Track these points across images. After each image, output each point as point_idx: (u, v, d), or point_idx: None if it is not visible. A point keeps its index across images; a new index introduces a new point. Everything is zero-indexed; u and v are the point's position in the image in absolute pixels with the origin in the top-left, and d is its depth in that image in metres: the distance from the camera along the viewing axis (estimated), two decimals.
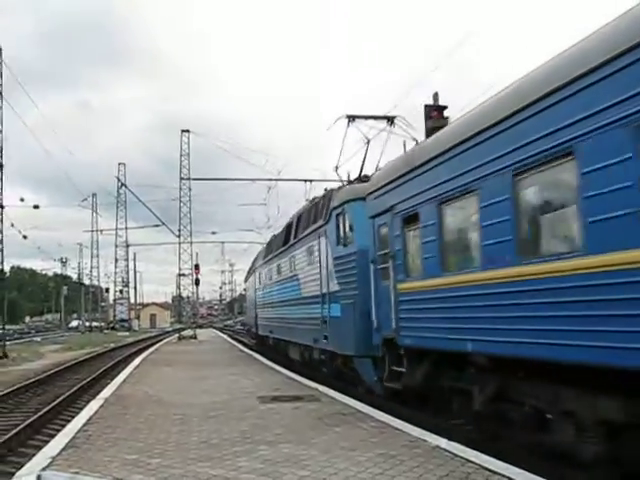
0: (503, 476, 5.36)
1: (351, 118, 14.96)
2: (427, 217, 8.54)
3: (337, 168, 15.48)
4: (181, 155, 42.10)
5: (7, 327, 35.90)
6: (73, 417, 9.89)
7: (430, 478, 5.38)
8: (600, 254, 5.24)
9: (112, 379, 15.58)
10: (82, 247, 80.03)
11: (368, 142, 15.13)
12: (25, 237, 44.86)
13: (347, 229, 12.38)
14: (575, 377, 5.87)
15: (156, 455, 6.55)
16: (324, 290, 13.89)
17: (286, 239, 19.16)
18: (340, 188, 14.16)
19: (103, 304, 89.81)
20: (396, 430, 7.53)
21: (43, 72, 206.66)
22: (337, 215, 12.90)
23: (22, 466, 6.49)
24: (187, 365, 18.52)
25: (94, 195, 68.38)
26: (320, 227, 14.25)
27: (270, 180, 34.95)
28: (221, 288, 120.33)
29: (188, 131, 42.84)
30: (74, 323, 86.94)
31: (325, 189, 16.25)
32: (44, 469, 5.99)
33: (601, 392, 5.63)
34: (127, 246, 74.67)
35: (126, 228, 73.03)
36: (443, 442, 6.68)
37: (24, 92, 31.56)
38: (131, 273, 78.62)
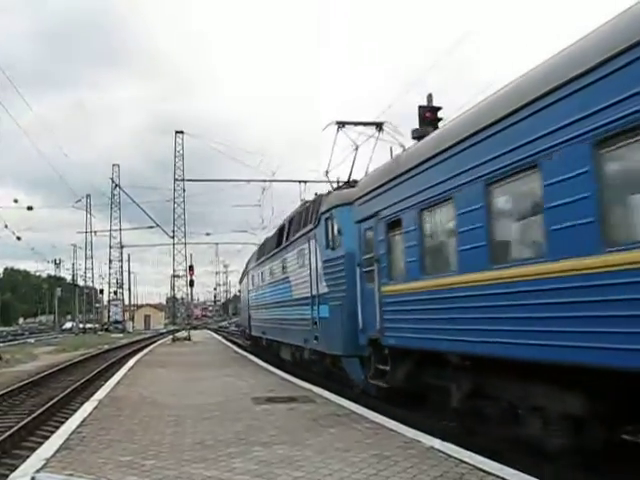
0: (497, 477, 5.37)
1: (341, 124, 15.34)
2: (409, 223, 8.98)
3: (327, 172, 15.91)
4: (175, 156, 42.15)
5: (0, 329, 35.81)
6: (67, 419, 9.86)
7: (424, 479, 5.40)
8: (560, 260, 5.67)
9: (106, 381, 15.53)
10: (76, 248, 79.98)
11: (356, 148, 15.57)
12: (19, 238, 44.96)
13: (335, 233, 12.72)
14: (543, 375, 6.25)
15: (150, 456, 6.54)
16: (314, 292, 14.19)
17: (278, 242, 19.48)
18: (329, 193, 14.52)
19: (97, 305, 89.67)
20: (390, 431, 7.55)
21: (38, 72, 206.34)
22: (326, 219, 13.21)
23: (16, 468, 6.48)
24: (181, 366, 18.50)
25: (88, 196, 68.31)
26: (310, 231, 14.61)
27: (264, 181, 35.00)
28: (215, 289, 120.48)
29: (182, 132, 42.95)
30: (68, 324, 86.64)
31: (315, 194, 16.76)
32: (38, 471, 5.97)
33: (565, 389, 6.04)
34: (121, 247, 74.70)
35: (120, 229, 73.06)
36: (437, 443, 6.70)
37: (18, 93, 31.39)
38: (125, 274, 78.72)
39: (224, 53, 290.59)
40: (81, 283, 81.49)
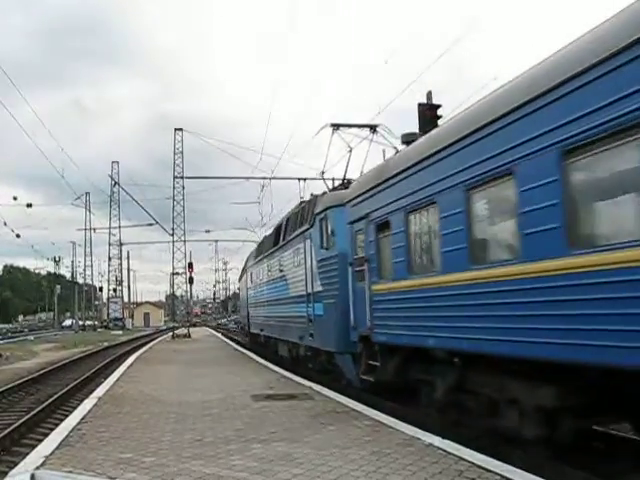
0: (496, 474, 5.38)
1: (335, 126, 15.71)
2: (397, 225, 9.42)
3: (323, 173, 16.52)
4: (174, 153, 42.01)
5: (0, 326, 35.80)
6: (67, 416, 9.88)
7: (423, 476, 5.40)
8: (532, 262, 6.07)
9: (106, 378, 15.57)
10: (75, 246, 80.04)
11: (350, 150, 15.97)
12: (18, 236, 44.95)
13: (329, 234, 13.09)
14: (518, 369, 6.63)
15: (150, 453, 6.55)
16: (309, 290, 14.59)
17: (276, 240, 19.86)
18: (324, 194, 14.92)
19: (96, 303, 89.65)
20: (390, 428, 7.56)
21: (37, 70, 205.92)
22: (320, 220, 13.57)
23: (16, 465, 6.49)
24: (181, 364, 18.52)
25: (87, 194, 68.27)
26: (305, 230, 14.98)
27: (264, 178, 34.93)
28: (215, 287, 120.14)
29: (181, 129, 42.79)
30: (67, 322, 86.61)
31: (311, 194, 17.07)
32: (38, 468, 5.98)
33: (538, 383, 6.41)
34: (120, 245, 74.67)
35: (119, 227, 72.98)
36: (436, 440, 6.72)
37: (17, 91, 31.40)
38: (124, 272, 78.66)
39: (225, 51, 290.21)
40: (80, 280, 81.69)
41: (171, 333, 41.37)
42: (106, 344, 38.29)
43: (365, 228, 10.75)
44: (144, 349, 27.90)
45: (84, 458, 6.38)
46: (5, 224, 35.73)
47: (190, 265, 42.80)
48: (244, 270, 32.72)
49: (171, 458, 6.31)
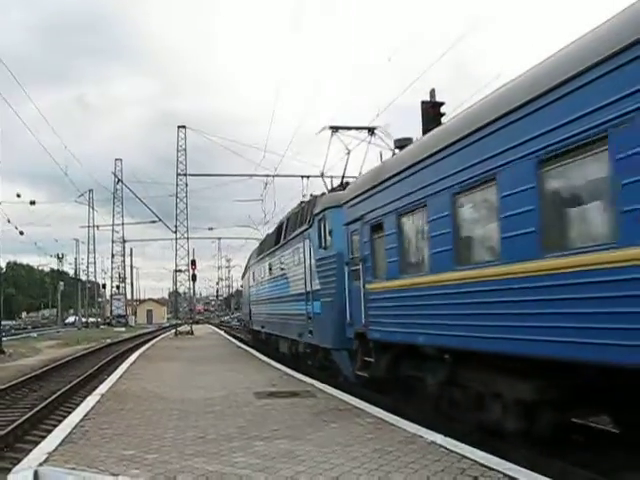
0: (498, 472, 5.38)
1: (334, 129, 16.06)
2: (389, 226, 9.85)
3: (322, 174, 16.98)
4: (178, 151, 41.97)
5: (3, 323, 35.90)
6: (70, 413, 9.90)
7: (425, 474, 5.40)
8: (510, 264, 6.47)
9: (109, 375, 15.61)
10: (79, 243, 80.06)
11: (348, 153, 16.43)
12: (22, 233, 44.95)
13: (327, 234, 13.41)
14: (502, 365, 7.00)
15: (153, 450, 6.56)
16: (308, 288, 14.97)
17: (277, 239, 20.28)
18: (322, 195, 15.38)
19: (100, 300, 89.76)
20: (392, 426, 7.56)
21: (40, 66, 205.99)
22: (319, 220, 13.91)
23: (19, 461, 6.50)
24: (184, 361, 18.55)
25: (91, 191, 68.19)
26: (305, 230, 15.34)
27: (267, 176, 34.86)
28: (218, 284, 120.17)
29: (184, 127, 42.73)
30: (71, 319, 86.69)
31: (310, 195, 17.60)
32: (41, 464, 5.99)
33: (518, 378, 6.78)
34: (124, 242, 74.62)
35: (123, 224, 72.87)
36: (439, 438, 6.71)
37: (20, 87, 31.38)
38: (128, 269, 78.75)
39: (229, 49, 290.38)
40: (84, 277, 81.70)
41: (174, 330, 41.46)
42: (109, 341, 38.41)
43: (360, 229, 11.14)
44: (147, 346, 27.96)
45: (87, 455, 6.39)
46: (9, 221, 35.79)
47: (193, 262, 42.86)
48: (246, 268, 32.99)
49: (174, 455, 6.32)
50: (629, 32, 5.06)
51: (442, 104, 13.60)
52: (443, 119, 12.72)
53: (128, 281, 79.58)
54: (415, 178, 8.79)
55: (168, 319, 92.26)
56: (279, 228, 20.57)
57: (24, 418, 10.94)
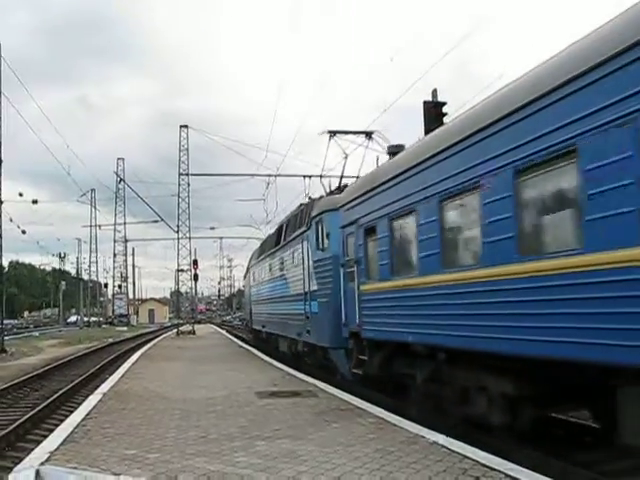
0: (500, 472, 5.37)
1: (332, 133, 16.53)
2: (382, 230, 10.26)
3: (321, 177, 17.57)
4: (180, 150, 42.00)
5: (5, 322, 35.91)
6: (72, 412, 9.92)
7: (427, 474, 5.40)
8: (489, 267, 6.94)
9: (110, 374, 15.61)
10: (81, 242, 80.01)
11: (346, 157, 16.87)
12: (24, 232, 44.87)
13: (324, 236, 13.78)
14: (485, 362, 7.34)
15: (154, 450, 6.56)
16: (306, 289, 15.36)
17: (277, 241, 20.72)
18: (320, 198, 15.80)
19: (102, 299, 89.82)
20: (394, 426, 7.56)
21: (44, 67, 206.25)
22: (316, 223, 14.29)
23: (21, 461, 6.52)
24: (185, 360, 18.56)
25: (93, 190, 68.16)
26: (303, 232, 15.75)
27: (269, 176, 34.85)
28: (220, 283, 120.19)
29: (186, 126, 42.74)
30: (72, 318, 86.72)
31: (309, 198, 18.03)
32: (43, 464, 5.99)
33: (498, 375, 7.19)
34: (126, 241, 74.65)
35: (125, 223, 72.91)
36: (441, 438, 6.72)
37: (23, 87, 31.44)
38: (129, 268, 78.74)
39: (232, 49, 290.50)
40: (86, 277, 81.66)
41: (176, 330, 41.48)
42: (111, 340, 38.43)
43: (355, 232, 11.58)
44: (149, 346, 27.98)
45: (89, 454, 6.39)
46: (11, 220, 35.66)
47: (195, 262, 42.91)
48: (248, 268, 33.27)
49: (175, 455, 6.33)
50: (574, 65, 5.66)
51: (444, 104, 13.62)
52: (445, 119, 12.72)
53: (130, 280, 79.74)
54: (406, 184, 9.22)
55: (170, 319, 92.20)
56: (279, 229, 20.97)
57: (26, 417, 10.95)
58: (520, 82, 6.79)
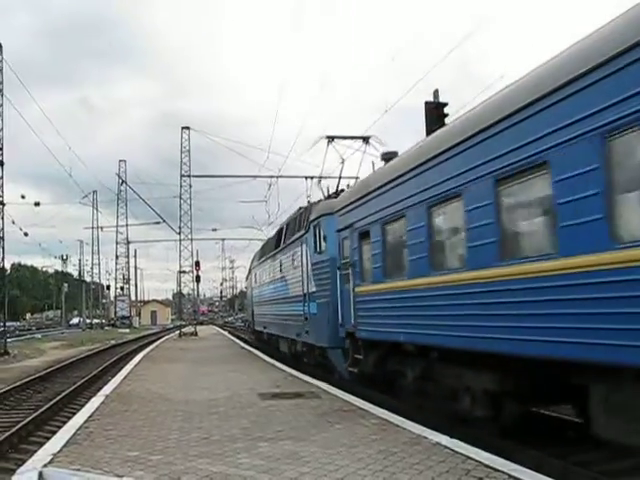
0: (503, 473, 5.36)
1: (330, 138, 16.93)
2: (375, 234, 10.70)
3: (320, 181, 18.21)
4: (182, 152, 41.98)
5: (8, 324, 35.93)
6: (74, 414, 9.91)
7: (430, 475, 5.39)
8: (473, 270, 7.35)
9: (113, 376, 15.61)
10: (83, 244, 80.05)
11: (343, 162, 17.36)
12: (26, 234, 44.97)
13: (322, 239, 14.21)
14: (471, 360, 7.70)
15: (157, 452, 6.56)
16: (305, 291, 15.78)
17: (277, 243, 21.20)
18: (319, 202, 16.20)
19: (104, 301, 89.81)
20: (397, 427, 7.55)
21: (45, 69, 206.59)
22: (314, 227, 14.72)
23: (23, 463, 6.51)
24: (188, 362, 18.56)
25: (95, 192, 68.17)
26: (302, 235, 16.17)
27: (271, 177, 34.87)
28: (222, 285, 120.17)
29: (188, 128, 42.73)
30: (75, 320, 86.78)
31: (308, 202, 18.61)
32: (45, 466, 6.00)
33: (483, 372, 7.55)
34: (128, 243, 74.66)
35: (127, 225, 72.90)
36: (444, 439, 6.71)
37: (25, 89, 31.50)
38: (132, 270, 78.77)
39: (233, 51, 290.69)
40: (88, 279, 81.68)
41: (178, 331, 41.49)
42: (113, 342, 38.44)
43: (350, 236, 12.05)
44: (151, 347, 27.97)
45: (91, 456, 6.39)
46: (13, 222, 35.69)
47: (197, 263, 42.89)
48: (249, 270, 33.62)
49: (178, 456, 6.32)
50: (538, 86, 6.11)
51: (445, 105, 13.60)
52: (446, 120, 12.71)
53: (132, 282, 79.74)
54: (397, 191, 9.67)
55: (172, 320, 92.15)
56: (279, 232, 21.38)
57: (28, 419, 10.96)
58: (498, 97, 7.28)
